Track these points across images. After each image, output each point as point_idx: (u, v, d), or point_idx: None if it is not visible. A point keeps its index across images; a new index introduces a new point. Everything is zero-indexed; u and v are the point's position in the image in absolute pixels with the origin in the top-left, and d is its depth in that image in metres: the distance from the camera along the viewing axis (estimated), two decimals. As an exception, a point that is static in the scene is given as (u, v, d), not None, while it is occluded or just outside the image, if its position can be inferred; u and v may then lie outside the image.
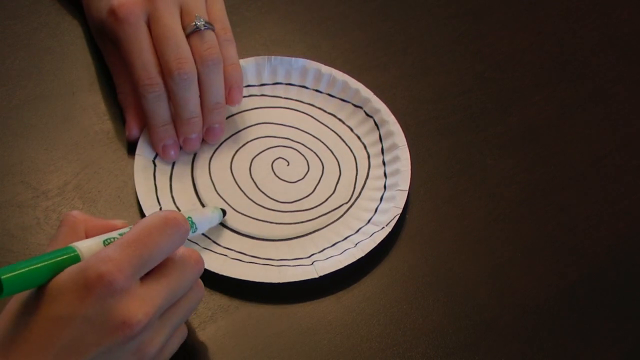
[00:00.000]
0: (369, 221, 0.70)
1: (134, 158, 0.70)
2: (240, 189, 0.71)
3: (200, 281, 0.59)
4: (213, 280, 0.65)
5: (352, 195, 0.72)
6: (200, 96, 0.71)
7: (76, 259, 0.54)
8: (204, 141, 0.72)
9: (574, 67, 0.82)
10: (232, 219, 0.69)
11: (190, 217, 0.64)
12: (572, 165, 0.76)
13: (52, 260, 0.53)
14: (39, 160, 0.71)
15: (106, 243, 0.56)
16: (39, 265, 0.53)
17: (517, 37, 0.83)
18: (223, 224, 0.69)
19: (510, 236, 0.71)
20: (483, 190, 0.73)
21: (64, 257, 0.54)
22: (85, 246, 0.55)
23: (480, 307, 0.67)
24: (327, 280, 0.66)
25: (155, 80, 0.69)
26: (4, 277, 0.51)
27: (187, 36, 0.70)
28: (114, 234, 0.57)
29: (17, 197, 0.69)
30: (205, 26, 0.70)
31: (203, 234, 0.67)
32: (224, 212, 0.68)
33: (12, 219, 0.68)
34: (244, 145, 0.73)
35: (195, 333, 0.64)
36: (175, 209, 0.69)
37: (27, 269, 0.52)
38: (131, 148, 0.72)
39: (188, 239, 0.66)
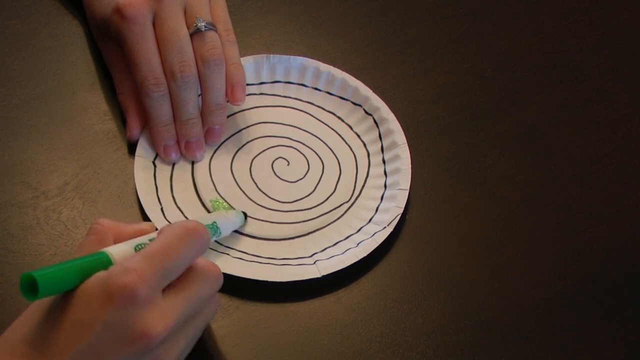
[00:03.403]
0: (370, 220, 0.70)
1: (134, 158, 0.70)
2: (241, 189, 0.71)
3: (216, 295, 0.59)
4: (213, 280, 0.65)
5: (352, 194, 0.72)
6: (202, 97, 0.71)
7: (108, 263, 0.54)
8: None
9: (574, 67, 0.82)
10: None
11: (215, 222, 0.64)
12: (572, 165, 0.76)
13: (85, 264, 0.54)
14: (39, 160, 0.71)
15: (137, 248, 0.56)
16: (72, 267, 0.53)
17: (517, 37, 0.83)
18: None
19: (510, 236, 0.71)
20: (483, 190, 0.73)
21: (96, 261, 0.54)
22: (117, 251, 0.55)
23: (480, 307, 0.67)
24: (327, 280, 0.66)
25: (160, 80, 0.69)
26: (40, 278, 0.51)
27: (190, 37, 0.70)
28: (144, 239, 0.57)
29: (17, 197, 0.69)
30: (206, 27, 0.70)
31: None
32: (245, 215, 0.69)
33: (12, 219, 0.68)
34: (244, 145, 0.73)
35: (195, 333, 0.64)
36: (177, 210, 0.69)
37: (61, 271, 0.52)
38: (131, 148, 0.72)
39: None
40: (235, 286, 0.65)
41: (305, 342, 0.65)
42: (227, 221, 0.66)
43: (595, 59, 0.83)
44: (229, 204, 0.70)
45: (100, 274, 0.53)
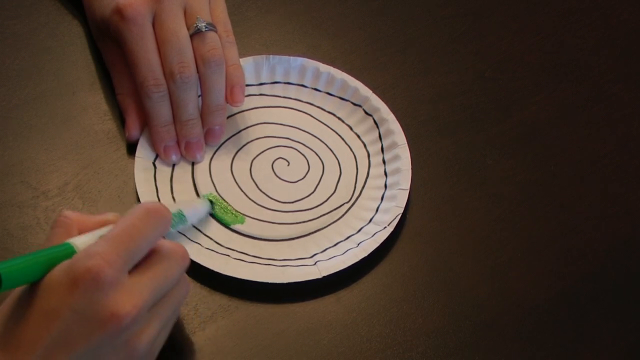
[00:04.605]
0: (370, 220, 0.70)
1: (134, 158, 0.70)
2: (241, 189, 0.71)
3: (186, 276, 0.59)
4: (213, 280, 0.65)
5: (352, 195, 0.72)
6: (202, 97, 0.71)
7: (73, 254, 0.54)
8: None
9: (574, 67, 0.82)
10: (232, 220, 0.69)
11: (181, 211, 0.64)
12: (572, 165, 0.76)
13: (49, 255, 0.54)
14: (39, 160, 0.71)
15: None
16: (36, 259, 0.53)
17: (517, 37, 0.83)
18: (225, 225, 0.69)
19: (510, 236, 0.71)
20: (483, 190, 0.73)
21: (61, 252, 0.54)
22: (82, 242, 0.55)
23: (480, 307, 0.67)
24: (327, 280, 0.66)
25: (160, 81, 0.69)
26: (4, 271, 0.51)
27: (190, 37, 0.70)
28: (109, 229, 0.57)
29: (17, 197, 0.69)
30: (207, 27, 0.70)
31: (205, 235, 0.68)
32: (212, 202, 0.69)
33: (12, 219, 0.68)
34: (244, 146, 0.73)
35: (195, 333, 0.64)
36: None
37: (25, 262, 0.53)
38: (131, 148, 0.72)
39: (189, 238, 0.67)
40: (235, 286, 0.65)
41: (305, 342, 0.65)
42: (193, 210, 0.67)
43: (595, 59, 0.83)
44: (225, 200, 0.70)
45: (65, 263, 0.53)
